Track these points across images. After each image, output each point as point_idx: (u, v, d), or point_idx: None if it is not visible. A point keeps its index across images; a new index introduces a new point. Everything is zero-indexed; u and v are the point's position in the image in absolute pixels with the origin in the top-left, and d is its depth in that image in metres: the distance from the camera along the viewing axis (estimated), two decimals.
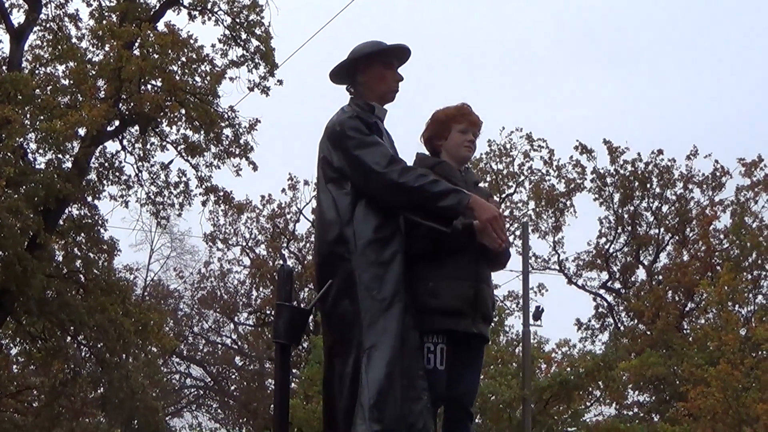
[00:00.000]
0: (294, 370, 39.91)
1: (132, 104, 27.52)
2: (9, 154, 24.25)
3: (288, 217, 46.23)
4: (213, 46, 28.83)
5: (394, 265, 5.90)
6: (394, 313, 5.81)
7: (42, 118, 25.38)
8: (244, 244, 47.07)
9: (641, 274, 45.82)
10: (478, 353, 6.28)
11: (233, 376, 55.68)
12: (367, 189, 5.95)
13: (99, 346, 29.26)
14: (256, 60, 28.82)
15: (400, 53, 6.43)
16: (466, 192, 5.87)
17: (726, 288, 31.95)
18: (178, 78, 27.59)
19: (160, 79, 27.32)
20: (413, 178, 5.82)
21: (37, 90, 26.20)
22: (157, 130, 29.10)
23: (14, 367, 40.02)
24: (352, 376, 5.83)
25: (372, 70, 6.32)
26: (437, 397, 5.94)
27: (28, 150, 26.43)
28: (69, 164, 26.78)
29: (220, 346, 54.95)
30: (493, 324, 28.65)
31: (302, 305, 6.35)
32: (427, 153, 6.55)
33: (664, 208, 44.40)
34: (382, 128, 6.23)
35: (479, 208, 5.80)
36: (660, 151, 44.00)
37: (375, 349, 5.75)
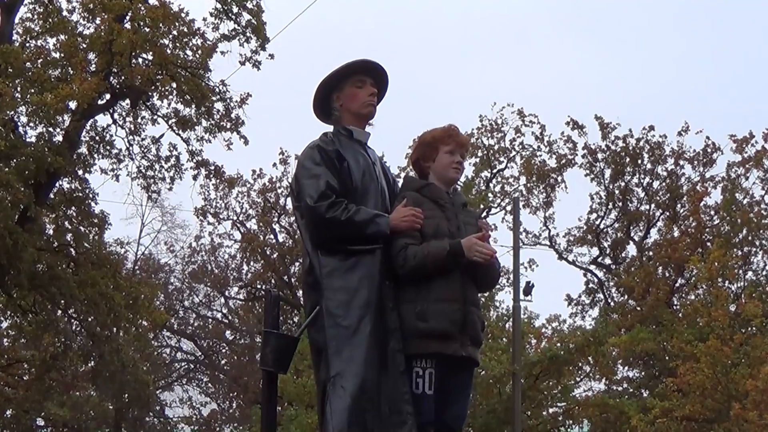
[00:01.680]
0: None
1: (123, 78, 27.43)
2: (0, 127, 24.19)
3: (279, 191, 46.21)
4: (204, 19, 28.71)
5: (361, 290, 5.93)
6: (361, 339, 5.83)
7: (33, 91, 25.31)
8: (235, 218, 47.09)
9: (632, 249, 45.94)
10: (467, 377, 6.28)
11: (224, 350, 55.79)
12: (305, 221, 6.12)
13: (90, 319, 29.26)
14: (248, 34, 28.71)
15: (366, 69, 6.51)
16: (385, 215, 6.04)
17: (716, 264, 31.99)
18: (169, 51, 27.51)
19: (151, 53, 27.25)
20: (340, 211, 5.94)
21: (28, 63, 26.11)
22: (148, 103, 29.02)
23: (5, 340, 40.04)
24: (321, 403, 5.87)
25: (344, 93, 6.45)
26: (426, 422, 5.94)
27: (19, 123, 26.34)
28: (60, 138, 26.73)
29: (210, 320, 55.03)
30: (483, 299, 28.54)
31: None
32: (414, 175, 6.60)
33: (655, 184, 44.44)
34: (352, 154, 6.27)
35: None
36: (651, 127, 44.03)
37: (340, 378, 5.77)
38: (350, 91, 6.41)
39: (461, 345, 6.02)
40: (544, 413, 35.87)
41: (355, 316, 5.85)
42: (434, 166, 6.40)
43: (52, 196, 27.88)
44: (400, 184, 6.66)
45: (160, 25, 27.00)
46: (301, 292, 6.78)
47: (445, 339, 5.95)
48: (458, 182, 6.64)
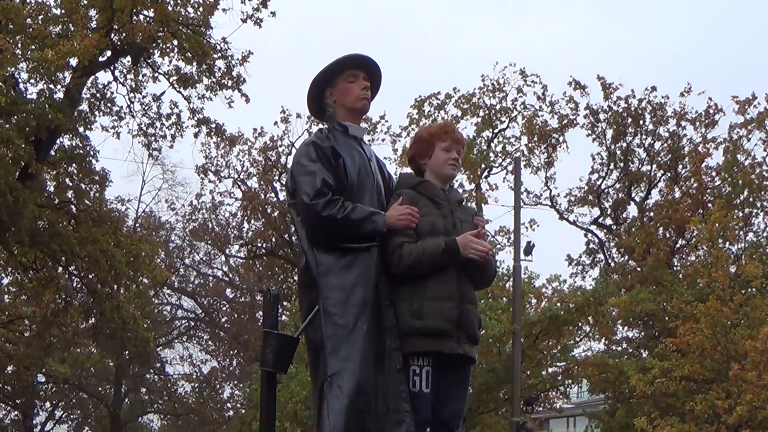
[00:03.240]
0: (285, 303, 40.06)
1: (124, 35, 27.30)
2: (0, 83, 24.12)
3: (280, 150, 46.09)
4: None
5: (358, 289, 5.92)
6: (357, 338, 5.82)
7: (33, 47, 25.18)
8: (236, 176, 47.00)
9: (633, 210, 45.91)
10: (464, 374, 6.27)
11: (224, 308, 55.97)
12: (300, 218, 6.07)
13: (90, 276, 29.28)
14: None
15: (357, 63, 6.49)
16: (382, 213, 6.02)
17: (717, 225, 32.01)
18: (170, 8, 27.37)
19: (152, 9, 27.12)
20: (336, 209, 5.92)
21: (29, 19, 25.96)
22: (149, 61, 28.92)
23: (5, 296, 40.18)
24: (318, 403, 5.84)
25: (337, 89, 6.42)
26: (423, 420, 5.93)
27: (19, 80, 26.26)
28: (60, 94, 26.65)
29: (211, 278, 55.18)
30: None
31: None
32: (410, 171, 6.57)
33: (657, 145, 44.36)
34: (347, 150, 6.25)
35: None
36: (653, 88, 43.90)
37: (337, 377, 5.76)
38: (343, 86, 6.39)
39: (458, 343, 6.01)
40: (544, 373, 36.04)
41: (352, 315, 5.85)
42: (430, 163, 6.37)
43: (52, 153, 27.83)
44: (398, 180, 6.62)
45: None
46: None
47: (442, 337, 5.94)
48: (454, 178, 6.60)
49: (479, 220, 6.36)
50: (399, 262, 5.97)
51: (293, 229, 6.39)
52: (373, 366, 5.81)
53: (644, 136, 44.41)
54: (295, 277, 41.41)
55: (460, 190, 38.93)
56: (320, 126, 6.60)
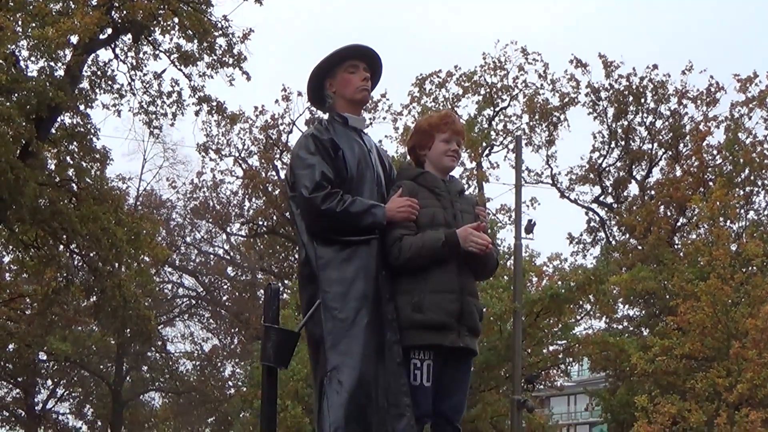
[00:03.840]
0: (285, 281, 40.11)
1: (125, 12, 27.24)
2: (1, 61, 24.07)
3: (281, 128, 46.03)
4: None
5: (357, 282, 5.89)
6: (357, 332, 5.80)
7: (34, 25, 25.12)
8: (237, 154, 46.97)
9: (634, 188, 45.96)
10: (465, 367, 6.21)
11: (225, 286, 56.04)
12: (300, 212, 6.06)
13: (91, 254, 29.31)
14: None
15: (358, 53, 6.43)
16: (381, 205, 5.98)
17: (718, 203, 32.01)
18: None
19: None
20: (335, 202, 5.89)
21: None
22: (150, 38, 28.87)
23: (7, 275, 40.19)
24: (318, 398, 5.82)
25: (337, 80, 6.36)
26: (423, 414, 5.90)
27: (20, 57, 26.22)
28: (61, 72, 26.60)
29: (212, 256, 55.23)
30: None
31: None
32: (410, 162, 6.52)
33: (658, 123, 44.37)
34: (347, 142, 6.20)
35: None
36: (655, 66, 43.92)
37: (337, 372, 5.73)
38: (343, 77, 6.33)
39: (459, 336, 5.97)
40: (545, 351, 36.10)
41: (352, 309, 5.82)
42: (430, 154, 6.33)
43: (53, 131, 27.80)
44: (398, 171, 6.56)
45: None
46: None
47: (442, 330, 5.90)
48: (453, 169, 6.54)
49: (480, 211, 6.35)
50: (399, 254, 5.95)
51: (292, 220, 6.32)
52: (374, 360, 5.79)
53: (645, 115, 44.44)
54: (296, 255, 41.45)
55: (461, 169, 39.01)
56: (320, 116, 6.56)
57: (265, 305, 6.21)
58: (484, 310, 31.02)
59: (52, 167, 28.64)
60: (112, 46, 28.73)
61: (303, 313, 6.03)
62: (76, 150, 28.80)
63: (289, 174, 6.17)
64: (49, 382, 52.83)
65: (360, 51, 6.45)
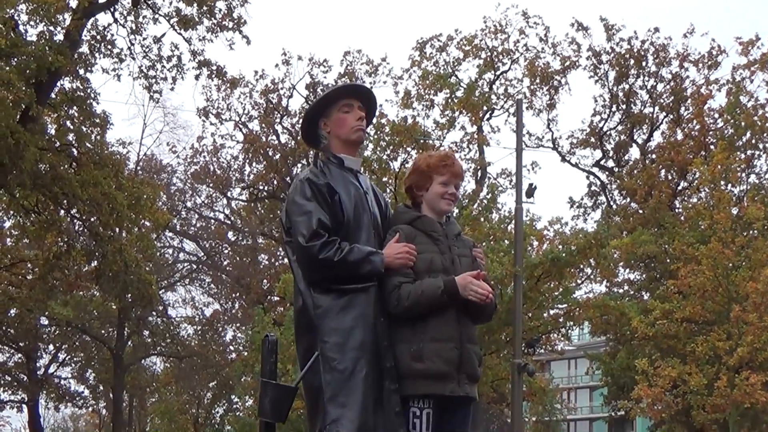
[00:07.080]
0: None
1: None
2: (0, 25, 24.00)
3: (281, 92, 45.99)
4: None
5: (356, 331, 5.81)
6: (356, 383, 5.73)
7: None
8: (237, 119, 46.92)
9: (635, 152, 45.92)
10: (465, 414, 6.14)
11: (226, 251, 56.06)
12: (296, 258, 5.97)
13: (92, 219, 29.32)
14: None
15: (352, 92, 6.37)
16: (380, 252, 5.89)
17: (719, 167, 31.99)
18: None
19: None
20: (333, 251, 5.80)
21: None
22: (150, 2, 28.79)
23: (8, 240, 40.25)
24: None
25: (331, 120, 6.26)
26: None
27: (19, 22, 26.14)
28: (60, 36, 26.54)
29: (212, 221, 55.19)
30: (485, 201, 28.54)
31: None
32: (407, 205, 6.42)
33: (659, 87, 44.29)
34: (343, 185, 6.10)
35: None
36: (656, 29, 43.82)
37: (336, 425, 5.67)
38: (337, 116, 6.23)
39: (458, 384, 5.92)
40: (545, 315, 36.08)
41: (351, 359, 5.75)
42: (427, 196, 6.22)
43: (53, 95, 27.77)
44: (394, 214, 6.45)
45: None
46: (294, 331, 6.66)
47: (442, 379, 5.85)
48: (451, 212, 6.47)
49: (477, 254, 6.27)
50: (397, 303, 5.87)
51: (288, 264, 6.28)
52: (373, 410, 5.73)
53: (647, 78, 44.37)
54: None
55: (462, 133, 38.91)
56: (314, 158, 6.45)
57: (263, 359, 6.16)
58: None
59: (53, 132, 28.63)
60: (112, 10, 28.65)
61: (300, 363, 5.99)
62: (76, 115, 28.77)
63: (285, 219, 6.06)
64: (51, 347, 52.98)
65: (354, 89, 6.44)
